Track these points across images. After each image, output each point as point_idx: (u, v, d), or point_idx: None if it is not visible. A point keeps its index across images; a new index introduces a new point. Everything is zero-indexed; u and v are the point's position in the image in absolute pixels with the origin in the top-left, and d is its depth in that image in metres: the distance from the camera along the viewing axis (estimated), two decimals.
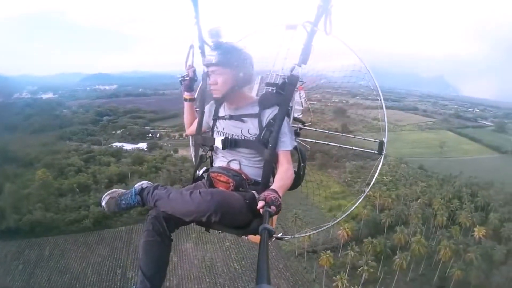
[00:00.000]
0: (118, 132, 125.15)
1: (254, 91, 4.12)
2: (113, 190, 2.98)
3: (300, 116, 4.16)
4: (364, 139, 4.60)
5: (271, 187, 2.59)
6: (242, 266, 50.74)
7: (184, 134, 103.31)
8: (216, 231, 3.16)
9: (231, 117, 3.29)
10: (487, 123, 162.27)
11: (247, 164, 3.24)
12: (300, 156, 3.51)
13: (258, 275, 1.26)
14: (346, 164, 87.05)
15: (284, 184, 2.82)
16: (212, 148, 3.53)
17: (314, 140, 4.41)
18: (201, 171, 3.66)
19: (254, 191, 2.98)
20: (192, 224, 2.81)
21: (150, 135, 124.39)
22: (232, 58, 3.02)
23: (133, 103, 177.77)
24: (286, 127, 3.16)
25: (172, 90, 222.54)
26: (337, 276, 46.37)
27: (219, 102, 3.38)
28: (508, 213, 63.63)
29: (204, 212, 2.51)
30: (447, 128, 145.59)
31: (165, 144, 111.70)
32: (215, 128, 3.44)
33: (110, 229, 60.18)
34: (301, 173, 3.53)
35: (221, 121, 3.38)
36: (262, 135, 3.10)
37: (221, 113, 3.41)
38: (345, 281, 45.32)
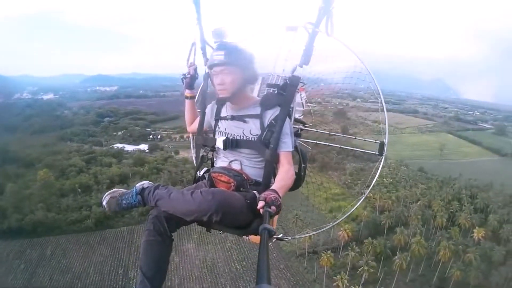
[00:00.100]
0: (119, 133, 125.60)
1: (255, 92, 4.15)
2: (114, 189, 3.02)
3: (301, 117, 4.23)
4: (365, 140, 4.76)
5: (271, 188, 2.62)
6: (243, 267, 50.82)
7: (185, 136, 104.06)
8: (217, 232, 3.21)
9: (233, 118, 3.30)
10: (487, 125, 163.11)
11: (248, 165, 3.25)
12: (301, 157, 3.53)
13: (258, 275, 1.26)
14: (347, 166, 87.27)
15: (285, 184, 2.85)
16: (213, 149, 3.57)
17: (315, 141, 4.48)
18: (202, 172, 3.69)
19: (255, 191, 2.99)
20: (194, 224, 2.86)
21: (151, 136, 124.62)
22: (239, 58, 3.06)
23: (134, 105, 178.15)
24: (288, 128, 3.17)
25: (172, 92, 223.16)
26: (338, 276, 46.61)
27: (221, 103, 3.42)
28: (507, 214, 63.75)
29: (205, 212, 2.52)
30: (447, 131, 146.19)
31: (166, 145, 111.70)
32: (217, 128, 3.46)
33: (112, 229, 60.27)
34: (302, 174, 3.54)
35: (223, 121, 3.40)
36: (263, 135, 3.10)
37: (223, 113, 3.43)
38: (346, 281, 45.60)
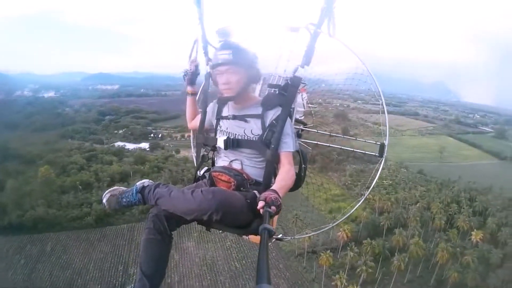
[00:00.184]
0: (120, 131, 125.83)
1: (256, 92, 4.13)
2: (114, 187, 3.03)
3: (302, 118, 4.27)
4: (365, 142, 4.81)
5: (271, 188, 2.63)
6: (242, 265, 51.03)
7: (186, 135, 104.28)
8: (217, 231, 3.23)
9: (234, 117, 3.31)
10: (487, 129, 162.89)
11: (249, 164, 3.26)
12: (301, 157, 3.50)
13: (258, 275, 1.27)
14: (347, 167, 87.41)
15: (285, 185, 2.86)
16: (214, 148, 3.57)
17: (316, 142, 4.49)
18: (202, 171, 3.70)
19: (255, 191, 2.99)
20: (194, 222, 2.86)
21: (152, 135, 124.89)
22: (245, 57, 3.08)
23: (135, 103, 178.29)
24: (289, 128, 3.17)
25: (173, 91, 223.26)
26: (336, 276, 46.92)
27: (222, 102, 3.43)
28: (505, 218, 64.00)
29: (205, 211, 2.53)
30: (447, 134, 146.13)
31: (167, 144, 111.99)
32: (219, 127, 3.47)
33: (112, 226, 60.40)
34: (302, 174, 3.52)
35: (224, 120, 3.41)
36: (264, 135, 3.11)
37: (225, 112, 3.44)
38: (344, 281, 45.86)
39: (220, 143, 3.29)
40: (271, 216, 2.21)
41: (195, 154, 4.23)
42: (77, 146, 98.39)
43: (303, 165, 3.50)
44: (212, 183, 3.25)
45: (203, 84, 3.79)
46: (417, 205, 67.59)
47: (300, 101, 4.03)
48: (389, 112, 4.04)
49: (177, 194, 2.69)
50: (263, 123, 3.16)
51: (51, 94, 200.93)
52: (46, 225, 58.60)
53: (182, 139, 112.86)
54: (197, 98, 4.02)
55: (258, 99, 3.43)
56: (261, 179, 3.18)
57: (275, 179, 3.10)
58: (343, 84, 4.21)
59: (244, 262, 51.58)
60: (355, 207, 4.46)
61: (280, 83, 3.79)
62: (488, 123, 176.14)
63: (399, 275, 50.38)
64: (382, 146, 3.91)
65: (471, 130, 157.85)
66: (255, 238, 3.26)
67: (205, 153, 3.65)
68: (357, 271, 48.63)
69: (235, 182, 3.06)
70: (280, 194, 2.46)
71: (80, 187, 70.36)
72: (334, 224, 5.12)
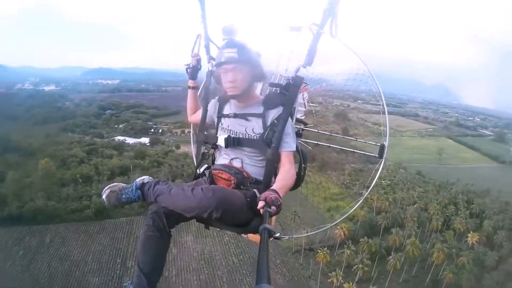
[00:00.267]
0: (121, 126, 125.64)
1: (257, 90, 4.06)
2: (114, 183, 3.06)
3: (302, 118, 4.25)
4: (365, 143, 4.78)
5: (271, 188, 2.64)
6: (240, 260, 51.30)
7: (186, 131, 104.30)
8: (216, 229, 3.27)
9: (235, 115, 3.31)
10: (487, 132, 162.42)
11: (249, 163, 3.26)
12: (301, 157, 3.53)
13: (258, 275, 1.26)
14: (345, 167, 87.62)
15: (286, 184, 2.87)
16: (214, 146, 3.59)
17: (316, 142, 4.44)
18: (202, 168, 3.69)
19: (255, 190, 3.00)
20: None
21: (152, 130, 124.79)
22: (250, 55, 3.07)
23: (136, 99, 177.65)
24: (290, 128, 3.18)
25: (174, 87, 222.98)
26: (332, 273, 47.22)
27: (224, 100, 3.48)
28: (502, 221, 64.27)
29: (205, 208, 2.54)
30: (447, 136, 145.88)
31: (167, 139, 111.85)
32: (220, 125, 3.47)
33: (111, 219, 60.51)
34: (302, 174, 3.54)
35: (226, 118, 3.41)
36: (265, 134, 3.11)
37: (227, 110, 3.44)
38: (340, 278, 46.21)
39: (221, 141, 3.31)
40: (271, 216, 2.24)
41: (195, 152, 4.29)
42: (78, 140, 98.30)
43: (303, 165, 3.54)
44: (212, 180, 3.29)
45: (204, 81, 3.87)
46: (415, 205, 68.07)
47: (301, 101, 4.06)
48: (389, 113, 4.08)
49: (177, 191, 2.72)
50: (264, 122, 3.17)
51: (51, 87, 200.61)
52: (45, 217, 58.63)
53: (182, 134, 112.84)
54: (198, 93, 4.05)
55: (259, 98, 3.42)
56: (261, 178, 3.19)
57: (275, 178, 3.15)
58: (344, 85, 4.23)
59: (241, 257, 51.83)
60: (354, 207, 4.58)
61: (281, 82, 3.88)
62: (488, 126, 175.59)
63: (394, 275, 50.72)
64: (382, 147, 3.93)
65: (470, 133, 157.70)
66: (253, 237, 3.32)
67: (205, 151, 3.68)
68: (353, 269, 49.01)
69: (235, 180, 3.10)
70: (280, 194, 2.49)
71: (80, 180, 70.49)
72: (332, 224, 5.26)
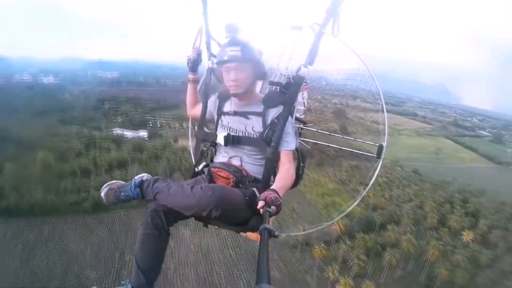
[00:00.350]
0: (119, 119, 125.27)
1: (257, 88, 3.89)
2: (112, 181, 3.02)
3: (302, 117, 4.23)
4: (364, 143, 4.65)
5: (271, 187, 2.63)
6: (237, 254, 51.60)
7: (184, 125, 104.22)
8: (214, 227, 3.25)
9: (235, 113, 3.31)
10: (484, 133, 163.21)
11: (248, 161, 3.26)
12: (300, 156, 3.52)
13: (258, 275, 1.27)
14: (342, 163, 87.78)
15: (285, 184, 2.87)
16: (213, 144, 3.57)
17: (315, 141, 4.50)
18: (200, 166, 3.68)
19: (254, 189, 3.01)
20: None
21: (150, 123, 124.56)
22: (253, 54, 3.06)
23: (134, 92, 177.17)
24: (290, 127, 3.18)
25: (173, 81, 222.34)
26: (329, 267, 47.70)
27: (224, 97, 3.47)
28: (497, 220, 64.89)
29: (205, 207, 2.54)
30: (444, 135, 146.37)
31: (165, 133, 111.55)
32: (220, 122, 3.45)
33: (109, 212, 60.42)
34: (300, 172, 3.50)
35: (226, 116, 3.40)
36: (265, 133, 3.11)
37: (227, 108, 3.43)
38: (336, 273, 46.66)
39: (220, 139, 3.31)
40: (271, 216, 2.26)
41: (193, 150, 4.24)
42: (76, 132, 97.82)
43: (301, 164, 3.52)
44: (211, 178, 3.28)
45: (204, 77, 3.87)
46: (411, 203, 68.44)
47: (301, 100, 4.03)
48: (387, 111, 4.10)
49: (176, 189, 2.72)
50: (264, 121, 3.17)
51: (50, 79, 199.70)
52: (43, 210, 58.56)
53: (180, 128, 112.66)
54: (198, 89, 4.01)
55: (260, 96, 3.41)
56: (260, 177, 3.19)
57: (274, 177, 3.19)
58: (344, 85, 4.23)
59: (238, 250, 52.14)
60: (352, 206, 4.55)
61: (281, 81, 3.83)
62: (486, 127, 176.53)
63: (390, 271, 51.05)
64: (380, 148, 3.92)
65: (468, 133, 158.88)
66: (252, 235, 3.25)
67: (204, 148, 3.65)
68: (349, 264, 49.43)
69: (234, 178, 3.10)
70: (280, 194, 2.49)
71: (79, 172, 70.42)
72: (330, 222, 5.35)
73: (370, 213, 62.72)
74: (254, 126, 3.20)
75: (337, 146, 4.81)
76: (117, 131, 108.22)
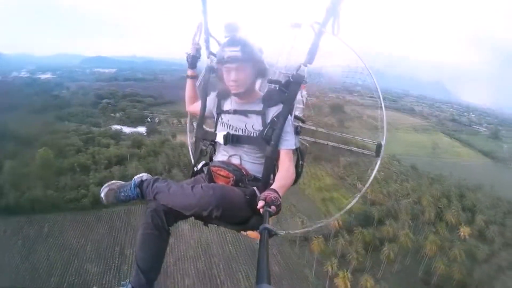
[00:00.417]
0: (117, 115, 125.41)
1: (256, 86, 3.75)
2: (112, 181, 3.01)
3: (301, 115, 4.25)
4: (363, 140, 4.87)
5: (271, 187, 2.63)
6: (236, 249, 51.74)
7: (183, 121, 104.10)
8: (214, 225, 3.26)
9: (235, 112, 3.31)
10: (481, 129, 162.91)
11: (248, 160, 3.26)
12: (299, 154, 3.53)
13: (258, 275, 1.26)
14: (340, 159, 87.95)
15: (285, 183, 2.85)
16: (212, 143, 3.58)
17: (314, 139, 4.55)
18: (200, 165, 3.68)
19: (254, 188, 3.01)
20: None
21: (148, 119, 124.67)
22: (253, 53, 3.06)
23: (132, 88, 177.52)
24: (290, 126, 3.19)
25: (171, 76, 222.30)
26: (328, 261, 47.87)
27: (224, 96, 3.49)
28: (494, 215, 65.14)
29: (205, 207, 2.55)
30: (441, 131, 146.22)
31: (164, 129, 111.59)
32: (220, 119, 3.45)
33: (109, 208, 59.86)
34: (300, 170, 3.52)
35: (225, 114, 3.41)
36: (265, 132, 3.11)
37: (226, 106, 3.44)
38: (335, 267, 46.93)
39: (220, 138, 3.32)
40: (271, 215, 2.26)
41: (192, 148, 4.34)
42: (74, 129, 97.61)
43: (300, 161, 3.54)
44: (211, 177, 3.28)
45: (203, 73, 3.91)
46: (409, 198, 68.58)
47: (300, 98, 4.09)
48: (384, 107, 4.08)
49: (176, 189, 2.73)
50: (264, 120, 3.18)
51: (47, 75, 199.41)
52: (43, 207, 58.49)
53: (178, 124, 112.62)
54: (197, 85, 4.03)
55: (260, 94, 3.43)
56: (259, 175, 3.19)
57: (273, 175, 3.18)
58: (343, 82, 4.31)
59: (238, 245, 52.29)
60: (351, 204, 4.56)
61: (280, 79, 3.81)
62: (483, 123, 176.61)
63: (388, 265, 51.39)
64: (378, 146, 3.95)
65: (465, 129, 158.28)
66: (252, 234, 3.29)
67: (204, 147, 3.66)
68: (347, 258, 49.72)
69: (234, 177, 3.09)
70: (280, 194, 2.49)
71: (78, 169, 70.50)
72: (329, 220, 5.42)
73: (368, 208, 62.84)
74: (254, 125, 3.22)
75: (336, 144, 4.96)
76: (116, 127, 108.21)
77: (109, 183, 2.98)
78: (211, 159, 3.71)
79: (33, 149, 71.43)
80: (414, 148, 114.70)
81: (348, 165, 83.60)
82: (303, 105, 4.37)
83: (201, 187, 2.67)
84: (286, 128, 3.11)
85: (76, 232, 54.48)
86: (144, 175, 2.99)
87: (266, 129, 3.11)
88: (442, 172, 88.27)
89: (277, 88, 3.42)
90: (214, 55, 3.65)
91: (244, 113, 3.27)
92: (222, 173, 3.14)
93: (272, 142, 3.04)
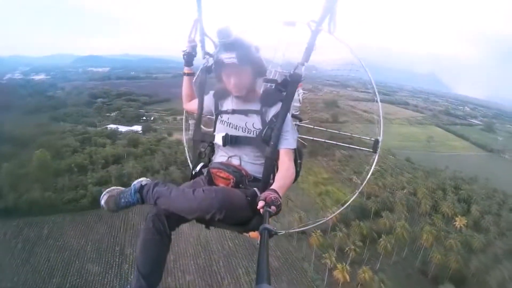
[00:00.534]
0: (113, 114, 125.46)
1: (257, 85, 3.65)
2: (111, 188, 2.98)
3: (297, 113, 4.33)
4: (360, 138, 4.70)
5: (271, 187, 2.60)
6: (235, 244, 51.94)
7: (178, 118, 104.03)
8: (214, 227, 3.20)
9: (234, 111, 3.31)
10: (476, 121, 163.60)
11: (248, 160, 3.23)
12: (297, 153, 3.42)
13: (258, 275, 1.26)
14: (336, 153, 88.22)
15: (285, 183, 2.82)
16: (211, 144, 3.57)
17: (312, 138, 4.55)
18: (198, 167, 3.63)
19: (255, 188, 2.98)
20: None
21: (144, 118, 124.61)
22: (250, 55, 3.04)
23: (126, 86, 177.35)
24: (289, 125, 3.16)
25: (164, 74, 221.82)
26: (326, 254, 48.23)
27: (222, 96, 3.48)
28: (489, 206, 65.85)
29: (208, 210, 2.53)
30: (436, 124, 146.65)
31: (159, 127, 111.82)
32: (219, 118, 3.43)
33: None
34: (298, 169, 3.43)
35: (225, 113, 3.39)
36: (264, 132, 3.10)
37: (226, 106, 3.43)
38: (333, 259, 47.37)
39: (218, 139, 3.28)
40: (271, 215, 2.25)
41: (188, 150, 4.39)
42: (70, 129, 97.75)
43: (298, 160, 3.46)
44: (211, 179, 3.25)
45: (198, 73, 3.95)
46: (404, 190, 69.15)
47: (296, 97, 4.12)
48: (379, 100, 4.08)
49: (177, 193, 2.71)
50: (263, 119, 3.18)
51: (41, 76, 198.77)
52: (42, 208, 58.42)
53: (174, 121, 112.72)
54: (193, 81, 4.02)
55: (258, 93, 3.43)
56: (260, 176, 3.16)
57: (273, 175, 3.15)
58: (342, 76, 4.21)
59: (237, 241, 52.41)
60: (350, 200, 4.51)
61: (276, 78, 3.90)
62: (477, 116, 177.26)
63: (385, 257, 51.89)
64: (376, 142, 4.00)
65: (459, 122, 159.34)
66: (253, 234, 3.16)
67: (202, 149, 3.63)
68: (345, 251, 50.07)
69: (234, 179, 3.07)
70: (280, 194, 2.48)
71: (76, 169, 70.44)
72: (328, 218, 5.54)
73: (365, 201, 63.30)
74: (254, 123, 3.21)
75: (334, 143, 4.99)
76: (111, 126, 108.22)
77: (109, 189, 2.97)
78: (209, 160, 3.70)
79: (29, 150, 71.35)
80: (408, 142, 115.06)
81: (344, 158, 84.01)
82: (299, 103, 4.50)
83: (203, 190, 2.65)
84: (286, 127, 3.10)
85: (76, 233, 54.46)
86: (144, 180, 2.99)
87: (265, 129, 3.10)
88: (437, 166, 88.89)
89: (273, 87, 3.50)
90: (209, 55, 3.69)
91: (244, 112, 3.27)
92: (222, 175, 3.13)
93: (272, 143, 3.03)
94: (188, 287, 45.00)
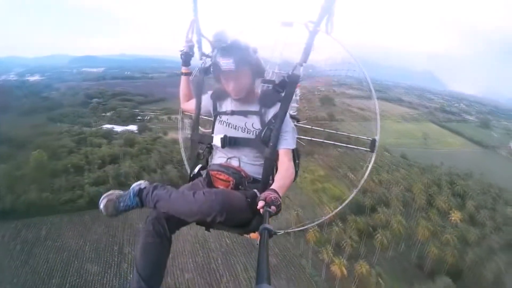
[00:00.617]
0: (108, 114, 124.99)
1: (256, 86, 3.64)
2: (110, 192, 2.91)
3: (295, 114, 4.35)
4: (358, 137, 4.60)
5: (271, 187, 2.61)
6: (233, 242, 52.11)
7: (173, 117, 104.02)
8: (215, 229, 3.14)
9: (233, 113, 3.31)
10: (471, 118, 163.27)
11: (247, 161, 3.23)
12: (295, 153, 3.38)
13: (258, 275, 1.27)
14: (332, 150, 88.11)
15: (285, 184, 2.83)
16: (209, 146, 3.55)
17: (310, 138, 4.56)
18: (196, 169, 3.61)
19: (255, 190, 2.99)
20: None
21: (139, 117, 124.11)
22: (247, 59, 3.03)
23: (121, 86, 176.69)
24: (289, 125, 3.17)
25: (160, 74, 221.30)
26: (323, 249, 48.84)
27: (221, 97, 3.48)
28: (484, 201, 66.27)
29: (209, 213, 2.50)
30: (431, 121, 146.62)
31: (154, 126, 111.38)
32: (218, 118, 3.43)
33: None
34: (296, 169, 3.37)
35: (224, 114, 3.40)
36: (263, 133, 3.11)
37: (225, 107, 3.43)
38: (331, 254, 47.79)
39: (217, 141, 3.29)
40: (271, 215, 2.25)
41: (184, 146, 4.43)
42: (66, 130, 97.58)
43: (296, 160, 3.39)
44: (210, 181, 3.24)
45: (194, 74, 3.96)
46: (400, 186, 69.45)
47: (294, 97, 4.07)
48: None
49: (177, 196, 2.69)
50: (262, 120, 3.19)
51: (36, 77, 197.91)
52: (39, 209, 58.24)
53: (169, 121, 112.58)
54: (190, 80, 4.02)
55: (257, 94, 3.43)
56: (259, 177, 3.17)
57: (272, 176, 3.17)
58: (339, 75, 4.20)
59: (235, 239, 52.41)
60: (349, 199, 4.53)
61: (273, 79, 3.94)
62: (473, 113, 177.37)
63: (382, 252, 52.31)
64: (373, 142, 3.97)
65: (454, 119, 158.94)
66: (254, 235, 3.16)
67: (200, 151, 3.59)
68: (342, 244, 50.65)
69: (234, 180, 3.07)
70: (280, 194, 2.49)
71: (72, 169, 70.31)
72: (327, 217, 5.52)
73: (361, 197, 63.39)
74: (254, 123, 3.22)
75: (332, 143, 4.97)
76: (107, 126, 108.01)
77: (107, 193, 2.89)
78: (207, 162, 3.72)
79: (26, 151, 71.26)
80: (403, 139, 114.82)
81: (339, 155, 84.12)
82: (297, 104, 4.56)
83: (203, 193, 2.63)
84: (285, 127, 3.12)
85: (74, 233, 54.46)
86: (142, 183, 2.95)
87: (264, 130, 3.12)
88: (432, 162, 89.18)
89: (271, 87, 3.51)
90: (206, 56, 3.76)
91: (244, 113, 3.28)
92: (221, 177, 3.13)
93: (271, 143, 3.05)
94: (187, 285, 45.14)
